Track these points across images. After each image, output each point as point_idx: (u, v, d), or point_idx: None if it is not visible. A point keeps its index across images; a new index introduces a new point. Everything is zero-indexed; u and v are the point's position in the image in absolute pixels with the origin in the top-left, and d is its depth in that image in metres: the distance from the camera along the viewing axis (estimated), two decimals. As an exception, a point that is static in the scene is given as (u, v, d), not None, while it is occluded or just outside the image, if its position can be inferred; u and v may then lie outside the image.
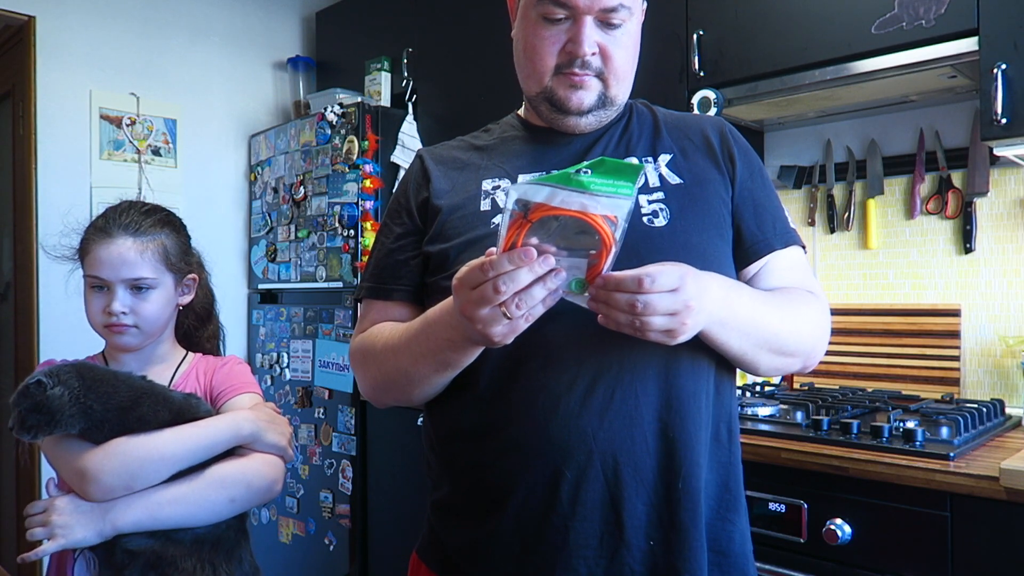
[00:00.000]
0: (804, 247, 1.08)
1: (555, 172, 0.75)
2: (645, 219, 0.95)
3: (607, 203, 0.74)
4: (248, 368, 1.41)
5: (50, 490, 1.19)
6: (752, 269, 1.02)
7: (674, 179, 1.00)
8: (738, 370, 1.02)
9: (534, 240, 0.75)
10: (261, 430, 1.24)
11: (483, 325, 0.78)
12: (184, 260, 1.33)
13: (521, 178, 1.00)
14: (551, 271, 0.76)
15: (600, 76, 0.99)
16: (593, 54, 0.97)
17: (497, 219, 0.96)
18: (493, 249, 0.77)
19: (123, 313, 1.24)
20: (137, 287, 1.25)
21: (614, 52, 0.98)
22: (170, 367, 1.34)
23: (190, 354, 1.38)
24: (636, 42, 1.02)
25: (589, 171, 0.74)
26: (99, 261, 1.24)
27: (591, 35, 0.96)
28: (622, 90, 1.02)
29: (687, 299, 0.79)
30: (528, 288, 0.75)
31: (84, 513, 1.13)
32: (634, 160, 1.00)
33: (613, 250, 0.77)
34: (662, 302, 0.78)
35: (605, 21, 0.97)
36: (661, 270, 0.79)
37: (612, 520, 0.89)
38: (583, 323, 0.90)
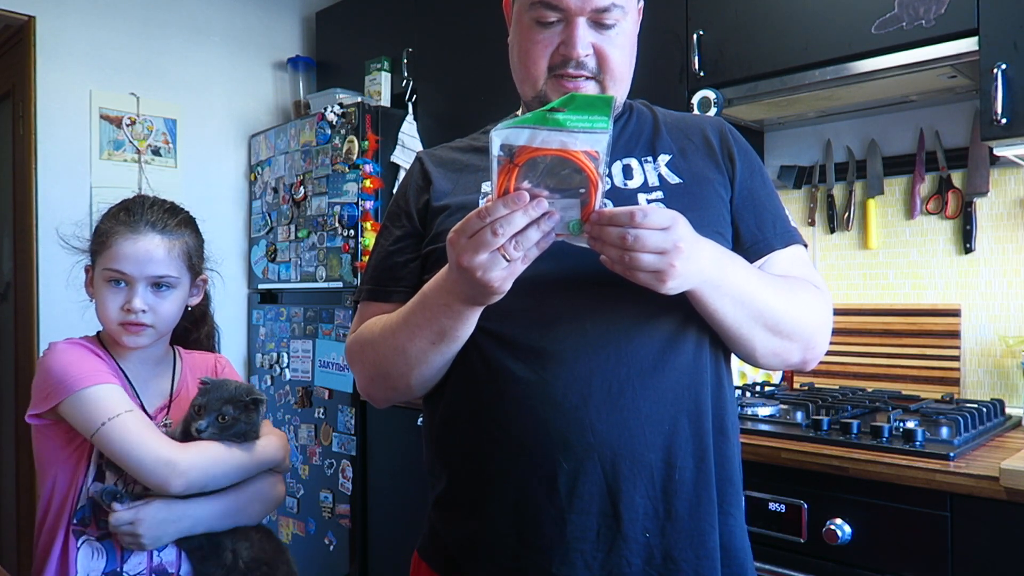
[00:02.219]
0: (806, 245, 1.08)
1: (530, 113, 0.76)
2: None
3: (585, 139, 0.76)
4: (232, 366, 1.45)
5: (92, 489, 1.20)
6: None
7: (674, 179, 1.00)
8: (736, 370, 1.02)
9: (526, 184, 0.77)
10: (284, 459, 1.36)
11: (483, 271, 0.79)
12: (201, 262, 1.34)
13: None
14: (545, 214, 0.77)
15: (596, 78, 0.99)
16: (587, 55, 0.97)
17: None
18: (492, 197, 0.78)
19: (142, 311, 1.22)
20: (157, 285, 1.24)
21: (610, 52, 0.98)
22: (168, 368, 1.34)
23: (176, 353, 1.38)
24: (632, 42, 1.02)
25: (564, 109, 0.75)
26: (123, 255, 1.21)
27: (584, 36, 0.96)
28: (620, 91, 1.02)
29: (677, 239, 0.80)
30: (524, 231, 0.77)
31: (170, 523, 1.19)
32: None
33: (600, 186, 0.78)
34: (652, 238, 0.79)
35: (598, 22, 0.97)
36: (655, 208, 0.80)
37: (610, 513, 0.89)
38: (580, 317, 0.91)
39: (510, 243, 0.77)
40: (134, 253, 1.21)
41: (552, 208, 0.77)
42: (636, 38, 1.03)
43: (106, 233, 1.24)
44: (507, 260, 0.78)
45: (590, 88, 0.99)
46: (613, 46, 0.98)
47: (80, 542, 1.19)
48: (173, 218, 1.28)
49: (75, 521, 1.20)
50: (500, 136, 0.76)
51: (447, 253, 0.82)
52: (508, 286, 0.81)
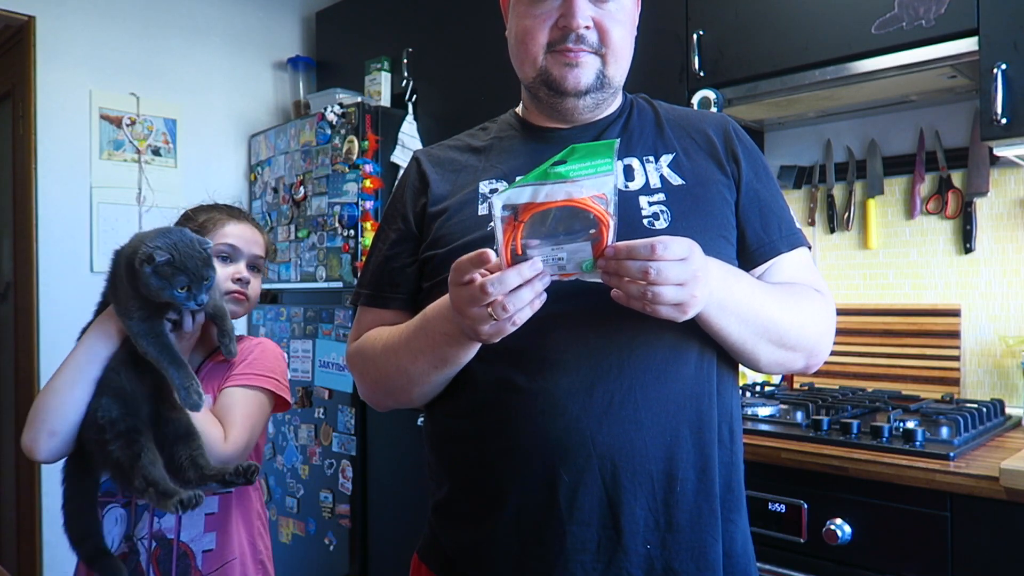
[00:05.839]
0: (810, 247, 1.07)
1: (532, 172, 0.75)
2: (646, 221, 0.94)
3: (591, 184, 0.75)
4: (276, 352, 1.45)
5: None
6: (757, 271, 1.01)
7: (676, 180, 0.98)
8: (739, 370, 1.02)
9: (534, 242, 0.76)
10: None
11: (471, 321, 0.79)
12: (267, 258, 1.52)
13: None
14: (538, 274, 0.76)
15: (598, 52, 0.98)
16: (588, 28, 0.96)
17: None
18: (488, 251, 0.77)
19: (246, 281, 1.41)
20: (251, 266, 1.44)
21: (610, 26, 0.97)
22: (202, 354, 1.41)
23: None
24: (632, 19, 1.01)
25: (565, 161, 0.75)
26: (232, 235, 1.41)
27: (584, 8, 0.95)
28: (620, 70, 1.01)
29: (695, 269, 0.79)
30: (516, 290, 0.76)
31: None
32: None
33: (611, 224, 0.77)
34: (673, 270, 0.77)
35: None
36: (672, 239, 0.78)
37: (610, 525, 0.88)
38: (583, 327, 0.90)
39: (499, 304, 0.76)
40: (241, 234, 1.43)
41: (563, 250, 0.77)
42: (636, 19, 1.02)
43: (210, 220, 1.42)
44: (495, 319, 0.77)
45: (591, 63, 0.98)
46: (614, 20, 0.97)
47: (106, 510, 1.30)
48: (255, 219, 1.52)
49: (101, 492, 1.28)
50: (501, 199, 0.74)
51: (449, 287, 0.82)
52: (497, 340, 0.81)
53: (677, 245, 0.78)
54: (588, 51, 0.97)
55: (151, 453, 1.20)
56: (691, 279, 0.78)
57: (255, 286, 1.45)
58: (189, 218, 1.44)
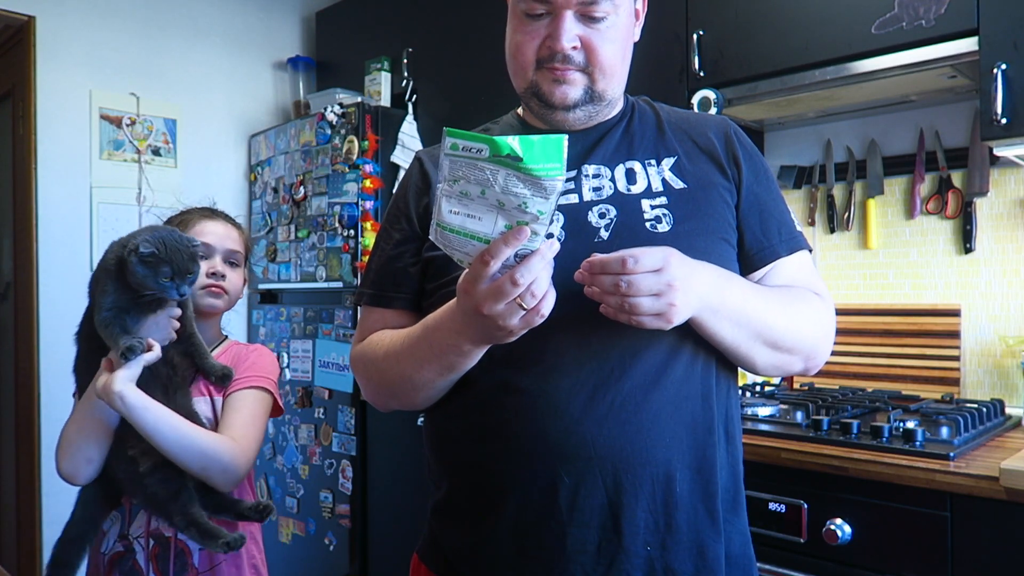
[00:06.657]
0: (811, 250, 1.07)
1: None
2: (648, 224, 0.94)
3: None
4: (271, 358, 1.49)
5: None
6: (756, 275, 1.01)
7: (678, 184, 0.99)
8: (738, 372, 1.02)
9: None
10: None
11: (497, 319, 0.78)
12: (248, 255, 1.55)
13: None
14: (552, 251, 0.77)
15: (585, 71, 0.98)
16: (574, 48, 0.96)
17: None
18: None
19: (222, 276, 1.43)
20: (229, 261, 1.46)
21: (599, 45, 0.97)
22: (210, 347, 1.44)
23: (228, 339, 1.52)
24: (625, 36, 1.00)
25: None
26: (206, 232, 1.44)
27: (570, 29, 0.95)
28: (611, 85, 1.01)
29: (670, 279, 0.80)
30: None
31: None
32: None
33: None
34: (645, 281, 0.79)
35: (587, 14, 0.96)
36: (645, 251, 0.81)
37: (611, 527, 0.89)
38: (584, 330, 0.90)
39: (528, 291, 0.76)
40: (214, 230, 1.46)
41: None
42: (633, 33, 1.02)
43: (182, 223, 1.45)
44: (524, 309, 0.77)
45: (578, 80, 0.98)
46: (603, 40, 0.97)
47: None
48: (231, 217, 1.55)
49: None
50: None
51: (458, 299, 0.81)
52: (520, 335, 0.81)
53: (649, 257, 0.80)
54: (574, 69, 0.97)
55: (189, 492, 1.25)
56: (666, 289, 0.80)
57: (234, 280, 1.46)
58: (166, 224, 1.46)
